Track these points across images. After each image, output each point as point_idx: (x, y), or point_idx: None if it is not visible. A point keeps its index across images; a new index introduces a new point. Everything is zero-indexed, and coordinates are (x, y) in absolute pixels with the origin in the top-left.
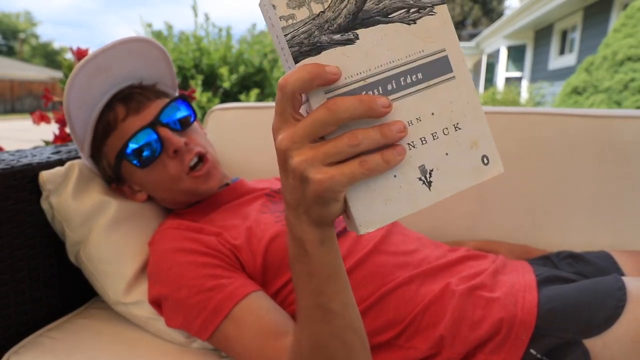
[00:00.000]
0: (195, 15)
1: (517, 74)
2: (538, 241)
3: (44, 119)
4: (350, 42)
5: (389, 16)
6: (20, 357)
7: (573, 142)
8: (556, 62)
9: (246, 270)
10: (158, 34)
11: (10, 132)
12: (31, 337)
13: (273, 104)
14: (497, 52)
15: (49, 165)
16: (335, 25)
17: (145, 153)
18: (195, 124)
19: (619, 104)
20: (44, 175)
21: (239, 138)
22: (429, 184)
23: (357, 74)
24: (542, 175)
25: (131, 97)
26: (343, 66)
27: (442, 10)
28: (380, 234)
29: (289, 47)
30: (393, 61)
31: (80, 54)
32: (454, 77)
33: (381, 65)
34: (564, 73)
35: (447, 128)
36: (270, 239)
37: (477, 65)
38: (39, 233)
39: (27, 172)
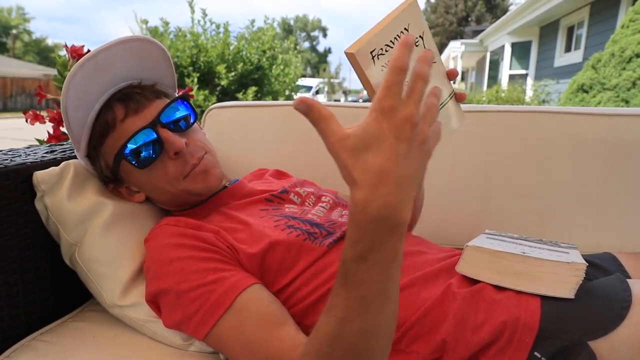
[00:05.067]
0: (192, 11)
1: (521, 72)
2: None
3: (38, 118)
4: None
5: None
6: None
7: (579, 141)
8: (562, 59)
9: (245, 269)
10: (154, 31)
11: (3, 130)
12: (24, 340)
13: (271, 102)
14: (502, 48)
15: (43, 165)
16: None
17: (145, 153)
18: (195, 123)
19: (626, 102)
20: (38, 175)
21: (237, 137)
22: None
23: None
24: (547, 175)
25: (130, 96)
26: None
27: None
28: None
29: None
30: None
31: (75, 50)
32: None
33: None
34: (570, 70)
35: None
36: (270, 244)
37: (481, 63)
38: (32, 234)
39: (21, 172)
